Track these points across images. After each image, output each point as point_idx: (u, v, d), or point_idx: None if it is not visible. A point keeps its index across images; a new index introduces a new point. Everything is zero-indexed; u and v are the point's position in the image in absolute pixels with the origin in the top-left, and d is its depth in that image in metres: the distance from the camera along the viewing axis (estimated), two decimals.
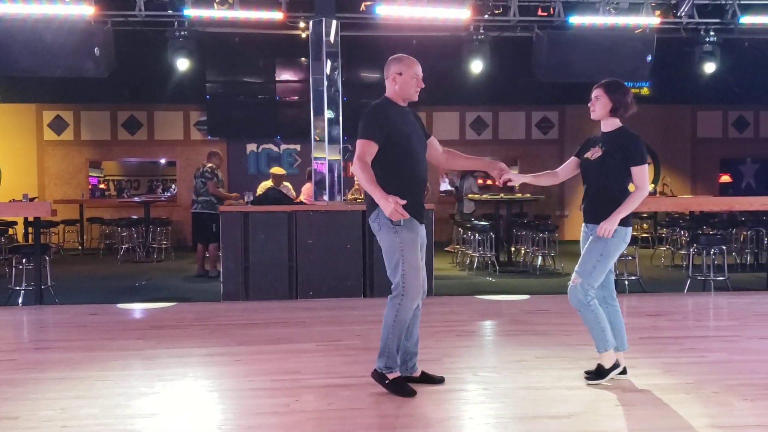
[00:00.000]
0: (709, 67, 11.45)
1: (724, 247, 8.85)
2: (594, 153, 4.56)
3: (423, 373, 4.59)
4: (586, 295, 4.46)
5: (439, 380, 4.59)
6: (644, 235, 14.28)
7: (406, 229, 4.25)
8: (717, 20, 11.11)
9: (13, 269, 8.31)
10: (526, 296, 8.28)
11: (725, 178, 17.70)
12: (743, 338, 5.96)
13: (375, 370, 4.42)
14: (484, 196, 12.32)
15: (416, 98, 4.52)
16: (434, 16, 10.55)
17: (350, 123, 12.02)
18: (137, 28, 10.66)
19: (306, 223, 8.14)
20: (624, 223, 4.46)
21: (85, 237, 14.46)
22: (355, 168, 4.20)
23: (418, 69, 4.50)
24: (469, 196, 12.70)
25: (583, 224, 4.68)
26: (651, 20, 10.87)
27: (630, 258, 8.91)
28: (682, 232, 11.41)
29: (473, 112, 16.19)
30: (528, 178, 4.96)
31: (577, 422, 3.88)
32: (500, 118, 16.34)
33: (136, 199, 14.99)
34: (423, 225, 4.44)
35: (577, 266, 4.54)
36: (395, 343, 4.32)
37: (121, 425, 3.89)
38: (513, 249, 11.86)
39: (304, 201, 9.63)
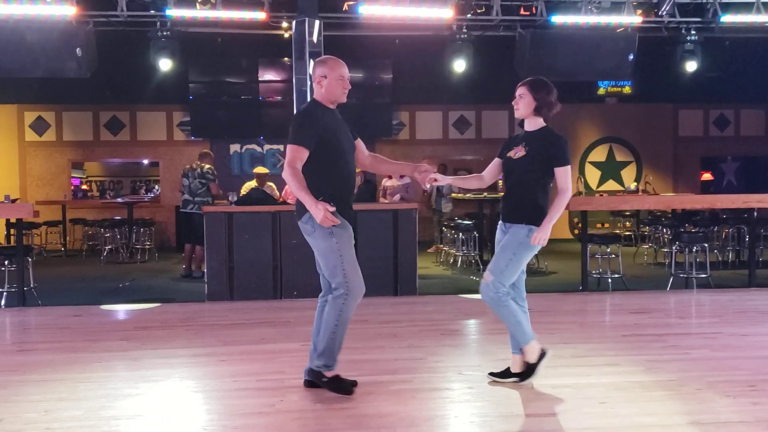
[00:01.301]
0: (691, 66, 11.55)
1: (706, 245, 8.92)
2: (517, 152, 4.50)
3: (336, 376, 4.50)
4: (497, 292, 4.42)
5: (352, 384, 4.50)
6: (627, 233, 14.36)
7: (340, 229, 4.26)
8: (698, 19, 11.20)
9: None
10: None
11: (707, 176, 17.85)
12: (725, 335, 6.02)
13: (311, 368, 4.42)
14: (468, 195, 12.34)
15: (344, 100, 4.48)
16: (417, 15, 10.57)
17: None
18: (119, 28, 10.61)
19: (290, 223, 8.11)
20: (539, 223, 4.38)
21: (67, 238, 14.36)
22: (285, 174, 4.16)
23: (344, 70, 4.45)
24: (452, 195, 12.71)
25: (500, 222, 4.59)
26: (633, 19, 10.94)
27: (613, 256, 8.97)
28: (665, 230, 11.49)
29: (456, 111, 16.22)
30: (454, 180, 4.94)
31: (561, 420, 3.91)
32: (483, 117, 16.37)
33: (119, 200, 14.90)
34: (351, 228, 4.42)
35: (490, 264, 4.49)
36: (338, 342, 4.34)
37: (106, 427, 3.88)
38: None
39: (288, 201, 9.61)
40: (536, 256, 11.03)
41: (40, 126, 15.27)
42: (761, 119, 17.28)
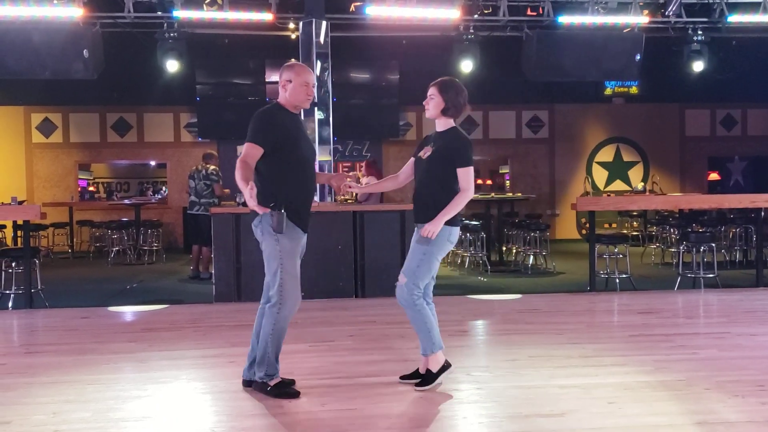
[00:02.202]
0: (697, 66, 11.52)
1: (713, 245, 8.90)
2: (426, 152, 4.51)
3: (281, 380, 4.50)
4: (411, 294, 4.41)
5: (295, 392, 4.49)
6: (634, 233, 14.33)
7: (287, 238, 4.25)
8: (705, 19, 11.17)
9: (3, 273, 8.26)
10: (518, 295, 8.29)
11: (714, 176, 17.80)
12: (733, 335, 5.99)
13: (255, 381, 4.42)
14: (476, 195, 12.32)
15: (307, 106, 4.52)
16: (424, 16, 10.57)
17: (340, 123, 12.13)
18: (126, 29, 10.64)
19: None
20: (450, 222, 4.39)
21: (74, 240, 14.40)
22: (237, 166, 4.13)
23: (309, 77, 4.44)
24: None
25: (415, 224, 4.58)
26: (639, 19, 10.92)
27: (621, 256, 8.95)
28: (672, 230, 11.46)
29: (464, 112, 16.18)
30: (369, 187, 4.97)
31: (570, 420, 3.90)
32: (490, 118, 16.37)
33: (127, 201, 14.94)
34: (306, 234, 4.43)
35: (404, 266, 4.49)
36: (274, 351, 4.35)
37: (114, 428, 3.88)
38: (504, 248, 11.88)
39: None
40: (543, 256, 11.09)
41: (46, 127, 15.32)
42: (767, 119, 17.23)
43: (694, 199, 10.72)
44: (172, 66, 10.72)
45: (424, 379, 4.52)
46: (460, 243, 11.28)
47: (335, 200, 9.71)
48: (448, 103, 4.46)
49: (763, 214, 9.13)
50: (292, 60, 4.61)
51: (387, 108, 15.00)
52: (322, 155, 8.91)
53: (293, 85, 4.40)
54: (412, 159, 4.69)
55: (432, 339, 4.47)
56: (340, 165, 15.42)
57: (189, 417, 4.11)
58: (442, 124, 4.54)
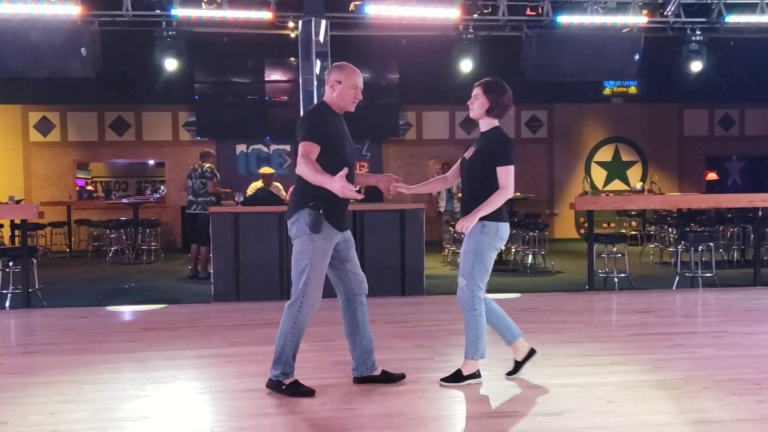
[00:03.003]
0: (696, 66, 11.53)
1: (711, 244, 8.90)
2: (470, 152, 4.56)
3: (383, 371, 4.62)
4: (473, 296, 4.46)
5: (400, 377, 4.64)
6: (633, 232, 14.35)
7: (321, 238, 4.25)
8: (703, 19, 11.19)
9: (0, 272, 8.25)
10: (517, 294, 8.30)
11: (712, 176, 17.82)
12: (731, 334, 6.00)
13: (270, 379, 4.44)
14: None
15: (352, 109, 4.49)
16: (423, 15, 10.57)
17: None
18: (124, 28, 10.62)
19: None
20: (498, 218, 4.43)
21: (72, 239, 14.38)
22: (300, 165, 4.14)
23: (358, 80, 4.43)
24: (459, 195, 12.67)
25: None
26: (638, 19, 10.93)
27: (619, 255, 8.95)
28: (670, 230, 11.47)
29: (463, 111, 15.98)
30: (418, 188, 4.93)
31: (569, 419, 3.90)
32: None
33: (125, 200, 14.94)
34: (344, 232, 4.43)
35: (460, 269, 4.54)
36: (292, 350, 4.37)
37: (112, 429, 3.87)
38: (503, 247, 11.86)
39: None
40: (542, 255, 11.09)
41: (44, 126, 15.30)
42: (766, 119, 17.23)
43: (692, 199, 10.73)
44: (171, 64, 10.71)
45: (453, 376, 4.58)
46: (459, 242, 11.27)
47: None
48: (492, 103, 4.47)
49: (760, 213, 9.15)
50: (344, 62, 4.56)
51: (387, 107, 15.00)
52: None
53: (342, 87, 4.38)
54: (461, 159, 4.73)
55: (477, 346, 4.54)
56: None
57: (187, 417, 4.10)
58: (486, 124, 4.56)
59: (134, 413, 4.12)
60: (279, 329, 4.40)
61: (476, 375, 4.59)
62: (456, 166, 4.77)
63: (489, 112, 4.50)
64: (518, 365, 4.73)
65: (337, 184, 3.95)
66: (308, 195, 4.20)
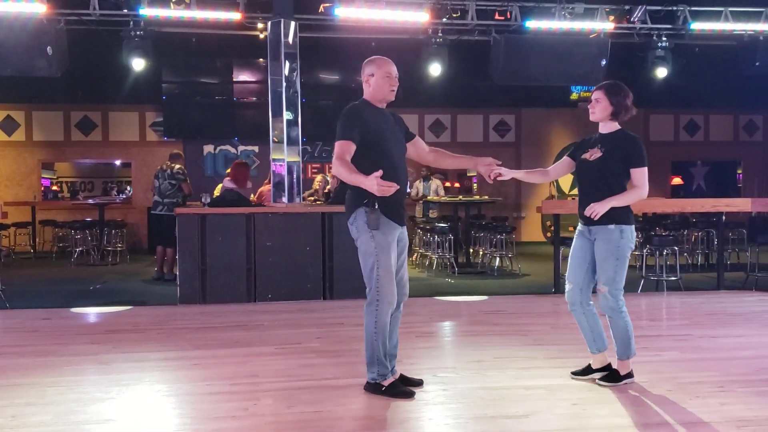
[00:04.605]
0: (661, 72, 11.69)
1: (676, 248, 9.04)
2: (593, 154, 4.54)
3: (401, 375, 4.57)
4: (617, 301, 4.49)
5: (418, 383, 4.57)
6: None
7: (381, 234, 4.23)
8: (669, 26, 11.35)
9: None
10: (485, 297, 8.34)
11: (677, 181, 18.09)
12: (695, 337, 6.10)
13: (368, 382, 4.40)
14: (443, 198, 12.39)
15: (392, 98, 4.47)
16: (393, 18, 10.57)
17: (309, 124, 12.08)
18: (91, 27, 10.48)
19: (264, 225, 8.09)
20: (629, 221, 4.50)
21: (37, 240, 14.17)
22: (334, 166, 4.15)
23: (391, 68, 4.46)
24: (428, 198, 12.71)
25: (579, 226, 4.66)
26: (605, 25, 11.06)
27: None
28: (636, 234, 11.60)
29: (432, 114, 16.28)
30: (520, 174, 4.88)
31: (535, 421, 3.93)
32: (458, 121, 16.46)
33: (90, 201, 14.73)
34: (404, 227, 4.43)
35: (598, 276, 4.54)
36: (381, 349, 4.31)
37: (75, 431, 3.82)
38: (471, 250, 11.94)
39: (264, 204, 9.55)
40: (509, 258, 11.17)
41: (9, 125, 15.06)
42: (729, 125, 17.55)
43: (657, 203, 10.87)
44: (138, 64, 10.59)
45: (613, 376, 4.60)
46: (428, 245, 11.32)
47: (304, 201, 9.65)
48: (616, 106, 4.46)
49: (724, 218, 9.30)
50: (375, 56, 4.55)
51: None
52: (291, 156, 8.85)
53: (375, 78, 4.38)
54: (567, 159, 4.74)
55: (629, 346, 4.56)
56: (309, 166, 15.37)
57: (153, 420, 4.06)
58: (609, 127, 4.55)
59: (98, 416, 4.06)
60: (364, 331, 4.32)
61: (631, 375, 4.61)
62: (564, 165, 4.76)
63: (613, 116, 4.50)
64: (588, 371, 4.72)
65: (373, 184, 3.91)
66: (361, 193, 4.14)
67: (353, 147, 4.19)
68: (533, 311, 7.48)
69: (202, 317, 7.21)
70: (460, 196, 11.92)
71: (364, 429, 3.85)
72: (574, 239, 4.70)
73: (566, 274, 4.71)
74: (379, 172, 3.94)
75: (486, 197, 12.21)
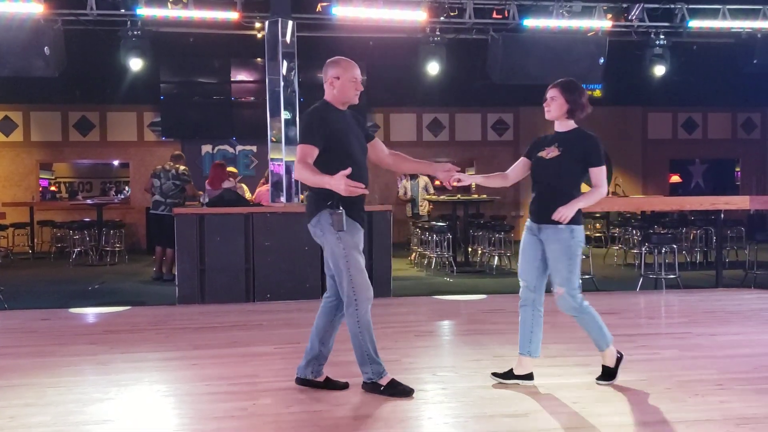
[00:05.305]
0: (659, 70, 11.70)
1: (674, 246, 9.04)
2: (549, 152, 4.48)
3: (327, 378, 4.54)
4: (576, 299, 4.44)
5: (343, 386, 4.53)
6: (597, 234, 14.51)
7: (348, 234, 4.21)
8: (666, 24, 11.36)
9: None
10: (483, 296, 8.34)
11: (675, 179, 18.11)
12: (693, 335, 6.09)
13: (364, 382, 4.39)
14: (441, 197, 12.39)
15: (356, 101, 4.44)
16: (390, 17, 10.57)
17: None
18: (89, 27, 10.47)
19: (263, 225, 8.08)
20: (580, 221, 4.45)
21: (35, 240, 14.15)
22: (296, 170, 4.13)
23: (357, 72, 4.42)
24: (425, 197, 12.71)
25: (529, 223, 4.60)
26: (603, 23, 11.06)
27: (583, 257, 9.02)
28: (634, 232, 11.62)
29: (430, 113, 16.28)
30: (478, 179, 4.87)
31: (534, 420, 3.93)
32: (456, 120, 16.45)
33: (89, 201, 14.73)
34: (363, 230, 4.40)
35: (552, 278, 4.48)
36: (370, 347, 4.30)
37: None
38: (470, 249, 11.95)
39: (262, 203, 9.55)
40: (508, 257, 11.17)
41: (7, 126, 15.04)
42: (728, 122, 17.56)
43: (656, 201, 10.89)
44: (136, 64, 10.59)
45: (607, 374, 4.57)
46: (426, 244, 11.32)
47: (302, 201, 9.63)
48: (571, 104, 4.43)
49: (722, 216, 9.30)
50: (337, 56, 4.52)
51: (354, 109, 14.97)
52: (289, 156, 8.83)
53: (341, 82, 4.35)
54: (524, 159, 4.67)
55: (604, 336, 4.51)
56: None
57: (152, 420, 4.05)
58: (564, 125, 4.51)
59: (97, 416, 4.06)
60: (349, 334, 4.30)
61: (620, 359, 4.58)
62: (521, 166, 4.68)
63: (569, 114, 4.46)
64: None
65: (340, 184, 3.90)
66: (324, 195, 4.13)
67: (316, 151, 4.16)
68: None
69: (201, 317, 7.20)
70: (459, 195, 11.91)
71: (364, 428, 3.85)
72: (523, 236, 4.63)
73: (518, 272, 4.62)
74: (348, 171, 3.93)
75: (484, 196, 12.20)
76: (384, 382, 4.35)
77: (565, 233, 4.39)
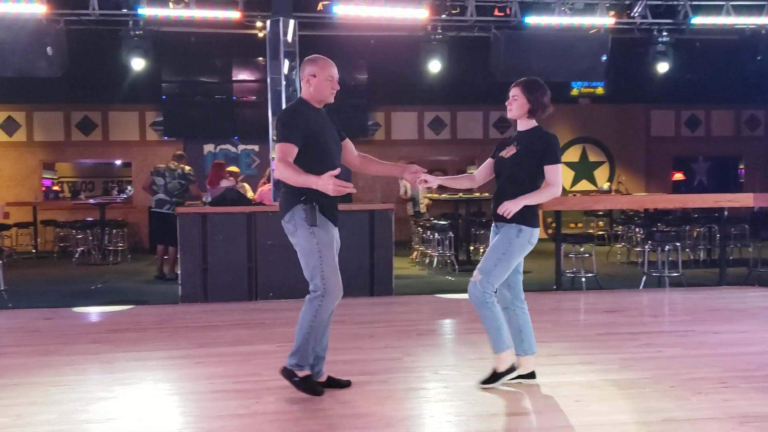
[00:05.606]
0: (662, 67, 11.68)
1: (678, 244, 9.01)
2: (508, 151, 4.48)
3: (329, 377, 4.53)
4: (484, 293, 4.34)
5: (346, 384, 4.53)
6: (600, 232, 14.49)
7: (322, 231, 4.21)
8: (669, 21, 11.34)
9: None
10: None
11: (678, 176, 18.09)
12: (697, 333, 6.09)
13: (284, 367, 4.36)
14: (443, 195, 12.38)
15: (332, 100, 4.43)
16: (392, 15, 10.57)
17: None
18: (91, 27, 10.48)
19: (265, 224, 8.08)
20: (531, 223, 4.38)
21: (38, 240, 14.15)
22: (278, 169, 4.11)
23: (333, 71, 4.40)
24: (428, 195, 12.70)
25: (493, 224, 4.57)
26: (605, 20, 11.05)
27: (587, 255, 9.04)
28: (637, 230, 11.60)
29: (431, 112, 16.26)
30: (444, 181, 4.82)
31: (537, 418, 3.93)
32: (458, 118, 16.43)
33: (91, 201, 14.73)
34: (337, 228, 4.39)
35: (480, 263, 4.44)
36: (311, 342, 4.28)
37: (79, 430, 3.83)
38: (472, 248, 11.93)
39: (264, 202, 9.54)
40: None
41: (10, 126, 15.05)
42: (731, 120, 17.53)
43: (659, 199, 10.87)
44: (138, 64, 10.60)
45: (490, 377, 4.48)
46: (428, 243, 11.31)
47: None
48: (533, 103, 4.41)
49: (726, 213, 9.29)
50: (315, 54, 4.51)
51: (355, 108, 14.96)
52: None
53: (318, 80, 4.34)
54: (490, 160, 4.64)
55: (501, 338, 4.42)
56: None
57: (156, 418, 4.06)
58: (525, 124, 4.49)
59: (101, 415, 4.07)
60: (299, 321, 4.27)
61: (513, 368, 4.47)
62: (487, 167, 4.66)
63: (530, 113, 4.44)
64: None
65: (328, 184, 3.89)
66: (298, 192, 4.13)
67: (295, 150, 4.15)
68: (534, 308, 7.39)
69: (204, 316, 7.21)
70: (461, 194, 11.90)
71: (366, 426, 3.85)
72: (491, 236, 4.59)
73: (479, 266, 4.58)
74: (336, 171, 3.93)
75: (486, 194, 12.17)
76: (301, 375, 4.32)
77: (513, 230, 4.37)
